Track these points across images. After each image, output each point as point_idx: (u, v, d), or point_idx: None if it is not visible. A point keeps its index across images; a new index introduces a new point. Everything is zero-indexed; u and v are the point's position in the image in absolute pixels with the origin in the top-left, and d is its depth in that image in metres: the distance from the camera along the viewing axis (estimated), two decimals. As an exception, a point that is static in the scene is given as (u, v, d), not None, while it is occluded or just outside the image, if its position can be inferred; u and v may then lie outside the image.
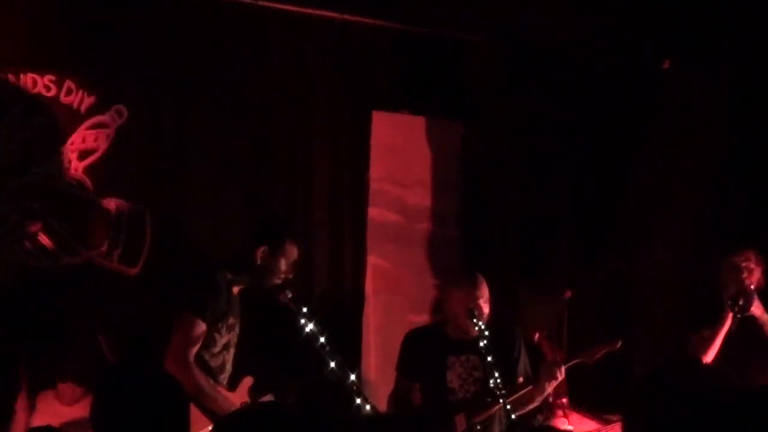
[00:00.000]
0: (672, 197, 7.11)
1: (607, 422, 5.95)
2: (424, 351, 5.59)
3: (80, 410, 5.45)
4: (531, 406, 5.57)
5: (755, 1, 6.54)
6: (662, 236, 7.12)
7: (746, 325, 5.83)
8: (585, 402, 6.21)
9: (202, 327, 5.04)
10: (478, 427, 5.44)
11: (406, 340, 5.70)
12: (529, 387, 5.46)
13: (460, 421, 5.44)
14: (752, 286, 5.82)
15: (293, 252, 5.34)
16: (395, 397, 5.66)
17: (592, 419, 6.11)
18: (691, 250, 6.89)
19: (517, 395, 5.38)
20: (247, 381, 5.32)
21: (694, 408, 2.58)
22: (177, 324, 5.05)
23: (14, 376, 5.55)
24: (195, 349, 5.04)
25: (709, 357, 5.72)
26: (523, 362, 5.63)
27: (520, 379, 5.54)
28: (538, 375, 5.49)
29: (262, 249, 5.24)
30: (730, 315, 5.81)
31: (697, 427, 2.57)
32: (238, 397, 5.20)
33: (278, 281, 5.25)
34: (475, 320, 5.37)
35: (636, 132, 7.17)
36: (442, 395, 5.52)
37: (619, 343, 5.58)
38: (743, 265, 5.87)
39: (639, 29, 6.83)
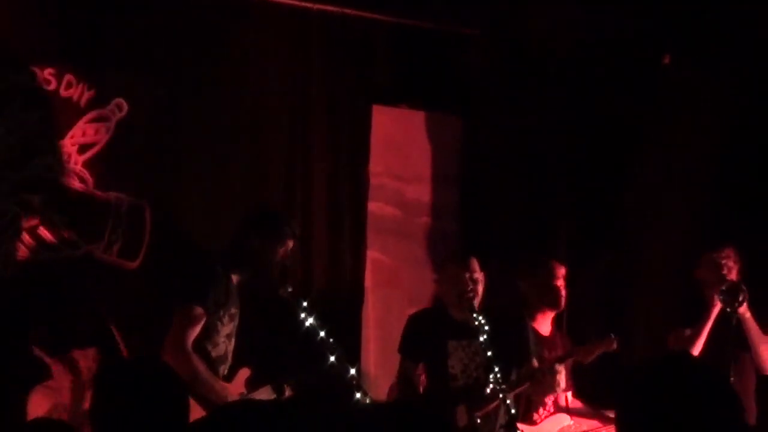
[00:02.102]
0: (672, 196, 7.10)
1: (607, 420, 5.91)
2: (427, 334, 5.59)
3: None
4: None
5: (756, 1, 6.55)
6: (661, 235, 7.11)
7: (726, 322, 5.77)
8: (584, 397, 6.21)
9: (198, 311, 5.03)
10: (478, 421, 5.44)
11: (409, 322, 5.70)
12: (528, 384, 5.47)
13: (461, 414, 5.43)
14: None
15: (288, 243, 5.33)
16: (399, 380, 5.64)
17: (592, 417, 6.08)
18: (690, 249, 6.87)
19: (516, 390, 5.38)
20: (244, 372, 5.31)
21: (686, 402, 2.58)
22: (176, 313, 5.06)
23: (23, 367, 5.56)
24: (192, 336, 5.03)
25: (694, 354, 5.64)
26: (536, 350, 5.64)
27: (535, 364, 5.54)
28: (535, 371, 5.49)
29: (256, 239, 5.24)
30: (715, 311, 5.77)
31: (687, 421, 2.57)
32: (234, 389, 5.19)
33: (275, 274, 5.25)
34: (475, 314, 5.37)
35: (636, 131, 7.16)
36: (443, 382, 5.52)
37: (615, 344, 5.56)
38: (723, 261, 5.84)
39: (640, 27, 6.83)
